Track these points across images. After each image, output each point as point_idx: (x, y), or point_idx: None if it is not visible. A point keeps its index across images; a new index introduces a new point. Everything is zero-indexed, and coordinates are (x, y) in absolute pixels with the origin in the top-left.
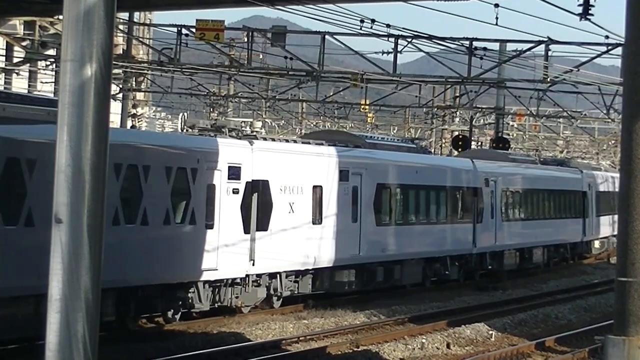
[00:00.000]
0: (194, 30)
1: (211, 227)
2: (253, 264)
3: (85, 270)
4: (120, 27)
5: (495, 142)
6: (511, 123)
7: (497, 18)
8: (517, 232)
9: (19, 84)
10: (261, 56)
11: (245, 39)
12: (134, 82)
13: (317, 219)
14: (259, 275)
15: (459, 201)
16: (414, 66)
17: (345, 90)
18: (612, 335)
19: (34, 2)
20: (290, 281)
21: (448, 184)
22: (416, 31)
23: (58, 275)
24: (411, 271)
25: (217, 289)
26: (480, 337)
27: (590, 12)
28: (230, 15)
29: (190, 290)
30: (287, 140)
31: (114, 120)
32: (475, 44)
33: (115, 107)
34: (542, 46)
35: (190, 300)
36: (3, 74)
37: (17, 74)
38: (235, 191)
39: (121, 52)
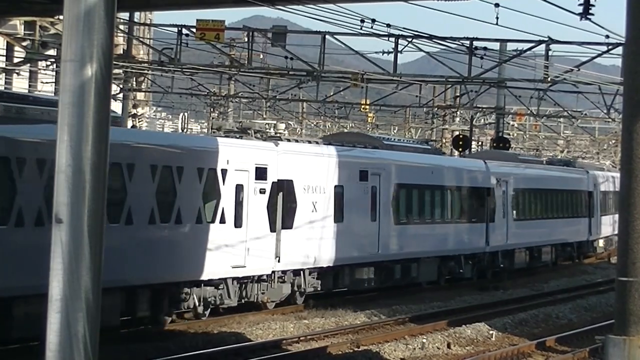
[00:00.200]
0: (194, 30)
1: (240, 225)
2: (279, 261)
3: (85, 271)
4: (121, 27)
5: (495, 141)
6: (512, 123)
7: (497, 18)
8: (527, 231)
9: (20, 84)
10: (261, 56)
11: (246, 39)
12: (134, 82)
13: (339, 217)
14: (284, 272)
15: (472, 201)
16: (415, 66)
17: (345, 90)
18: (613, 334)
19: (34, 2)
20: (313, 278)
21: (462, 185)
22: (416, 31)
23: (58, 276)
24: (427, 269)
25: (244, 285)
26: (480, 336)
27: (590, 11)
28: (230, 15)
29: (219, 287)
30: (309, 142)
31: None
32: (475, 43)
33: (115, 107)
34: (543, 46)
35: (219, 297)
36: (3, 74)
37: (18, 74)
38: (262, 191)
39: (121, 52)
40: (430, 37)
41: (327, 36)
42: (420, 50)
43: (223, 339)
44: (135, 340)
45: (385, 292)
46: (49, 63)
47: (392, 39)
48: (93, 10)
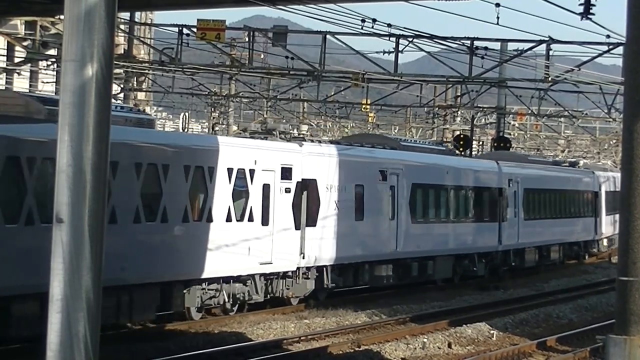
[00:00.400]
0: (195, 30)
1: (266, 223)
2: (303, 258)
3: (86, 270)
4: (121, 27)
5: (496, 141)
6: (512, 122)
7: (498, 18)
8: (537, 230)
9: (20, 84)
10: (262, 56)
11: (247, 39)
12: (135, 82)
13: (359, 215)
14: (308, 268)
15: (486, 201)
16: (415, 66)
17: (346, 90)
18: (614, 334)
19: (34, 2)
20: (335, 275)
21: (476, 185)
22: (417, 31)
23: (59, 275)
24: (442, 267)
25: (270, 281)
26: (481, 336)
27: (591, 11)
28: (231, 15)
29: (247, 283)
30: (331, 142)
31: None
32: (476, 43)
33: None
34: (544, 45)
35: (247, 293)
36: (4, 74)
37: (19, 74)
38: (287, 190)
39: (122, 52)
40: (431, 37)
41: (327, 36)
42: (421, 50)
43: (223, 338)
44: (135, 340)
45: (404, 289)
46: (49, 63)
47: (393, 39)
48: (94, 10)
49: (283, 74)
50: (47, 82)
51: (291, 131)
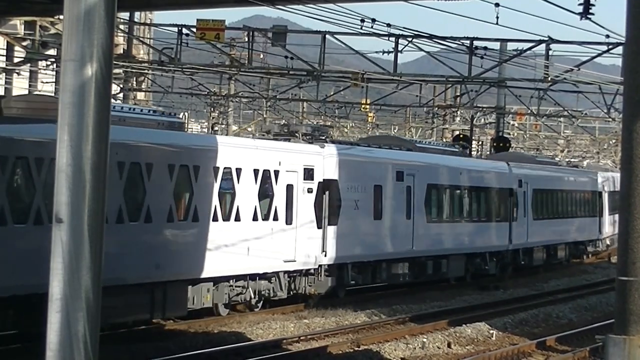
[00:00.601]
0: (194, 30)
1: (290, 222)
2: (325, 255)
3: (86, 270)
4: (121, 26)
5: (496, 141)
6: (512, 122)
7: (497, 17)
8: (545, 229)
9: (20, 84)
10: (262, 56)
11: (246, 39)
12: (134, 82)
13: (378, 215)
14: (329, 266)
15: (497, 201)
16: (415, 65)
17: (345, 89)
18: (613, 334)
19: (34, 2)
20: (355, 272)
21: (488, 185)
22: (417, 31)
23: (59, 275)
24: (456, 265)
25: (292, 278)
26: (481, 336)
27: (590, 11)
28: (230, 15)
29: (272, 280)
30: (351, 144)
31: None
32: (475, 43)
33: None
34: (543, 45)
35: (272, 289)
36: (4, 73)
37: (18, 73)
38: (309, 190)
39: (122, 51)
40: (431, 37)
41: (327, 36)
42: (421, 50)
43: (223, 338)
44: (135, 340)
45: (419, 287)
46: (49, 63)
47: (393, 39)
48: (93, 10)
49: (282, 74)
50: (47, 82)
51: (314, 133)
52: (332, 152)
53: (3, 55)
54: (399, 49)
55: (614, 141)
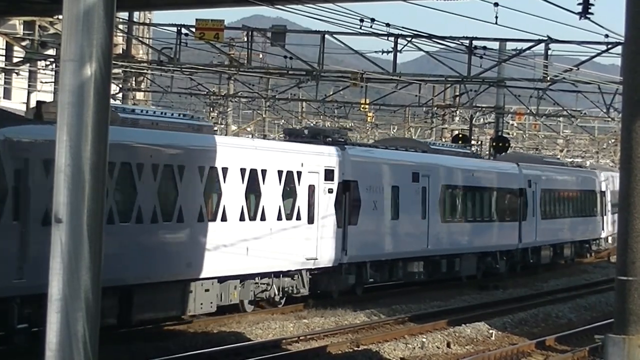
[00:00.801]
0: (193, 29)
1: (312, 222)
2: (345, 254)
3: (85, 270)
4: (120, 26)
5: (495, 141)
6: (511, 122)
7: (496, 17)
8: (553, 229)
9: (19, 84)
10: (261, 56)
11: (245, 39)
12: (133, 82)
13: (395, 215)
14: (349, 264)
15: (508, 201)
16: (414, 65)
17: (345, 89)
18: (612, 334)
19: (33, 2)
20: (373, 270)
21: (499, 186)
22: (416, 30)
23: (58, 275)
24: (468, 264)
25: (314, 276)
26: (480, 336)
27: (590, 11)
28: (230, 15)
29: (294, 278)
30: (369, 146)
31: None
32: (475, 43)
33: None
34: (542, 45)
35: (295, 287)
36: (3, 73)
37: (17, 73)
38: (330, 191)
39: (121, 51)
40: (430, 37)
41: (326, 36)
42: (420, 49)
43: (223, 338)
44: (135, 340)
45: (434, 285)
46: (48, 63)
47: (392, 39)
48: (92, 10)
49: (282, 74)
50: (46, 82)
51: (334, 136)
52: (352, 153)
53: (2, 55)
54: (398, 48)
55: (613, 141)
